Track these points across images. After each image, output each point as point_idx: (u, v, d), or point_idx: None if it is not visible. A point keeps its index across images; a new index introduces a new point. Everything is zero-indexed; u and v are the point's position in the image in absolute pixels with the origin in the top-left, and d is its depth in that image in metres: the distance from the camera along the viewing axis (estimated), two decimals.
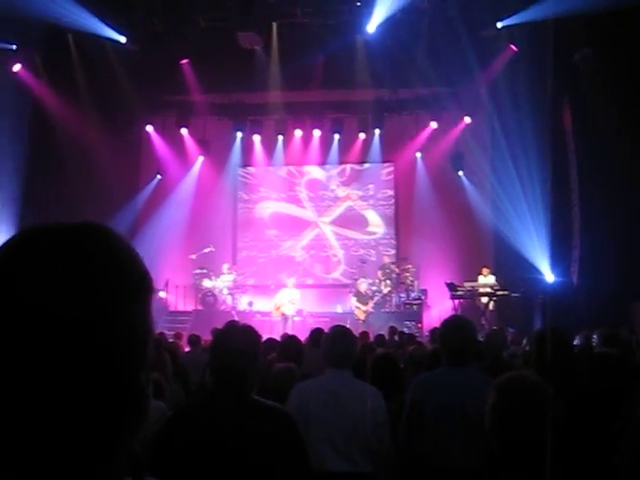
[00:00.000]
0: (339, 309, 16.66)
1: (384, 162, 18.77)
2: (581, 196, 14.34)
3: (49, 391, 0.77)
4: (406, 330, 13.11)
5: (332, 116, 18.27)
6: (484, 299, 14.54)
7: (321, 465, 3.64)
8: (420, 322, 15.08)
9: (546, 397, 2.14)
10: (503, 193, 15.62)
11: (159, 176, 18.47)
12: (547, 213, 14.01)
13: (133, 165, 18.53)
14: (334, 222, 19.05)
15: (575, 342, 6.94)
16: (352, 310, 15.33)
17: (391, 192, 18.85)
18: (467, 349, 3.93)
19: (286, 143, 18.79)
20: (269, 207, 19.38)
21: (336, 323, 4.94)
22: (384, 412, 3.83)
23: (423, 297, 16.23)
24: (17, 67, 14.93)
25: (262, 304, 16.65)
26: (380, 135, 18.20)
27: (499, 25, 14.79)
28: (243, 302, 16.84)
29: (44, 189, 14.86)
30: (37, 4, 12.89)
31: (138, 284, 0.86)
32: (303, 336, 8.32)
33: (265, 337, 6.65)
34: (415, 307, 15.86)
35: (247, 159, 19.23)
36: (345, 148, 18.60)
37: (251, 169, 19.52)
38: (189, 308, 16.91)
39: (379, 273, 16.54)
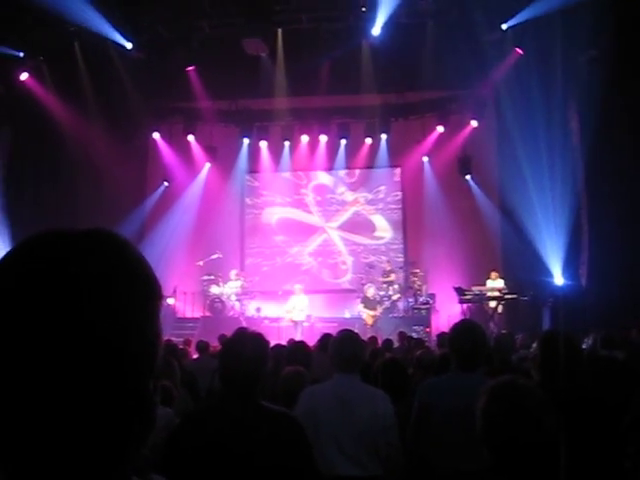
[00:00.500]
0: (347, 314, 16.63)
1: (391, 167, 18.78)
2: (589, 198, 14.29)
3: (58, 395, 0.77)
4: (414, 335, 13.09)
5: (338, 121, 18.29)
6: (492, 303, 14.47)
7: (330, 470, 3.63)
8: (428, 327, 15.04)
9: (536, 402, 2.12)
10: (511, 196, 15.58)
11: (166, 183, 18.52)
12: (558, 215, 13.96)
13: (140, 172, 18.60)
14: (341, 227, 19.05)
15: (584, 345, 6.90)
16: (360, 315, 15.31)
17: (398, 197, 18.84)
18: (477, 353, 3.89)
19: (293, 149, 18.81)
20: (276, 213, 19.40)
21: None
22: (392, 416, 3.82)
23: (431, 301, 16.19)
24: (24, 76, 15.01)
25: (270, 310, 16.66)
26: (387, 139, 18.21)
27: (504, 27, 14.74)
28: (251, 308, 16.84)
29: (52, 196, 14.91)
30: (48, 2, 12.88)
31: (148, 290, 0.86)
32: (311, 341, 8.33)
33: (273, 343, 6.65)
34: (423, 312, 15.83)
35: (254, 165, 19.26)
36: (352, 153, 18.61)
37: (258, 175, 19.54)
38: (197, 314, 16.94)
39: (381, 279, 16.54)
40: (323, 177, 19.37)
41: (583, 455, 2.99)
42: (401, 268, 17.76)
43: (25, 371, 0.76)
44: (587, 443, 3.13)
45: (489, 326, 13.33)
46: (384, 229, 18.87)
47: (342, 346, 3.95)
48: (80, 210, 15.13)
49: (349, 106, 18.01)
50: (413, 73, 15.93)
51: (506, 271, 15.64)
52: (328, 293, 18.13)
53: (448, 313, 15.26)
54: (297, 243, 19.02)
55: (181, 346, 9.20)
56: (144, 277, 0.86)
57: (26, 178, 14.57)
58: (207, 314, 16.51)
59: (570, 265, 14.22)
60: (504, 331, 11.32)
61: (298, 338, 12.11)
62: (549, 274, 14.24)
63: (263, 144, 18.82)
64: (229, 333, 3.13)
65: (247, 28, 14.52)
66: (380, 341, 10.78)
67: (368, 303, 15.22)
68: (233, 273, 17.03)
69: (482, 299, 14.47)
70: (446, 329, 11.45)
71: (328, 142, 18.47)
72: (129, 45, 15.23)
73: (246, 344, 2.84)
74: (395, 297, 16.02)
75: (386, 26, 14.77)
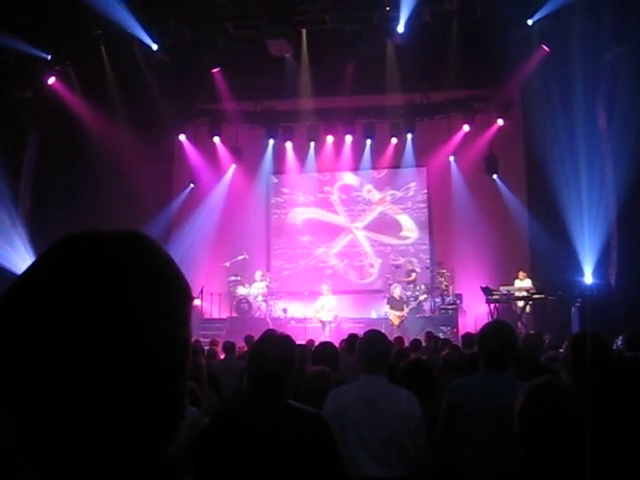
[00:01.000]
0: (374, 314, 16.58)
1: (417, 166, 18.70)
2: (617, 196, 14.09)
3: (89, 397, 0.77)
4: (441, 335, 13.03)
5: (364, 121, 18.28)
6: (520, 303, 14.35)
7: (357, 470, 3.62)
8: (455, 327, 14.94)
9: (573, 402, 2.12)
10: (539, 195, 15.40)
11: (192, 184, 18.66)
12: (593, 214, 13.78)
13: (166, 174, 18.75)
14: (367, 227, 19.02)
15: (614, 346, 6.80)
16: (387, 316, 15.27)
17: (424, 196, 18.77)
18: (506, 354, 3.84)
19: (318, 149, 18.83)
20: (302, 213, 19.42)
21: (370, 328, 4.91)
22: (419, 417, 3.80)
23: (458, 302, 16.11)
24: (52, 80, 15.19)
25: (296, 310, 16.67)
26: (412, 139, 18.15)
27: (529, 22, 14.55)
28: (277, 309, 16.87)
29: (79, 198, 15.06)
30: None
31: (178, 292, 0.86)
32: (337, 341, 8.33)
33: (299, 343, 6.66)
34: (450, 312, 15.73)
35: (279, 166, 19.30)
36: (377, 153, 18.58)
37: (283, 176, 19.58)
38: (224, 315, 17.01)
39: (404, 279, 16.48)
40: (349, 177, 19.36)
41: (613, 453, 2.95)
42: (427, 268, 17.68)
43: (56, 373, 0.76)
44: (617, 440, 3.09)
45: (517, 326, 13.22)
46: (410, 229, 18.81)
47: (369, 347, 3.94)
48: (107, 212, 15.27)
49: (374, 106, 17.96)
50: (438, 72, 15.85)
51: (534, 271, 15.50)
52: (354, 294, 18.09)
53: (475, 313, 15.18)
54: (323, 244, 19.02)
55: (207, 347, 9.24)
56: (175, 279, 0.86)
57: (53, 182, 14.71)
58: (234, 315, 16.57)
59: (601, 264, 14.04)
60: (532, 331, 11.21)
61: (326, 338, 12.13)
62: (580, 273, 14.05)
63: (288, 145, 18.86)
64: (255, 334, 3.16)
65: (271, 29, 14.54)
66: (407, 341, 10.74)
67: (394, 304, 15.16)
68: (258, 274, 17.08)
69: (510, 299, 14.36)
70: (473, 329, 11.41)
71: (353, 142, 18.47)
72: (155, 46, 15.34)
73: (274, 344, 2.89)
74: (422, 297, 15.95)
75: (410, 25, 14.70)
